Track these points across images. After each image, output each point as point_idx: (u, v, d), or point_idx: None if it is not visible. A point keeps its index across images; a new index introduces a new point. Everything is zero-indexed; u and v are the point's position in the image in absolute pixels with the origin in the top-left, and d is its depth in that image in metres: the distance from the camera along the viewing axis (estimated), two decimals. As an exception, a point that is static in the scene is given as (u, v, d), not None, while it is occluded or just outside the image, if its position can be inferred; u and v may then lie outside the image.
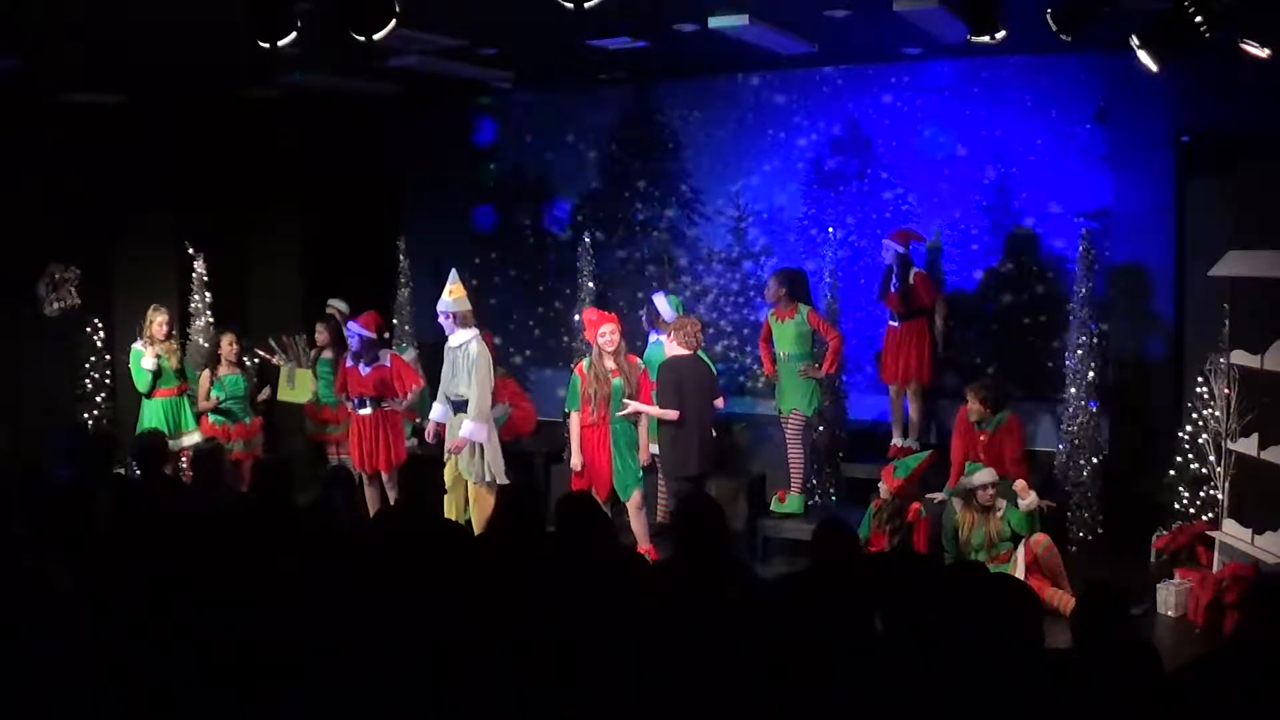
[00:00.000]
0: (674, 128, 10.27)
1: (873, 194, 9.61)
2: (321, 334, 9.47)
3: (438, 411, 8.01)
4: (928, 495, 7.71)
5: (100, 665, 3.57)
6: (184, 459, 8.66)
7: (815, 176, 9.80)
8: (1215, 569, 7.06)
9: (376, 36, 5.62)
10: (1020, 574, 6.70)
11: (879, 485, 7.68)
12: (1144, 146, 8.60)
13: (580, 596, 4.15)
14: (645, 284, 10.17)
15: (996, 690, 3.38)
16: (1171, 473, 7.93)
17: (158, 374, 8.69)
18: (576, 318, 9.67)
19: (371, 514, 7.86)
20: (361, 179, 10.75)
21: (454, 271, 8.05)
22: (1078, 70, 8.78)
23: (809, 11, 7.28)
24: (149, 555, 4.64)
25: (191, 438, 8.72)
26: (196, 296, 9.66)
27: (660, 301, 8.71)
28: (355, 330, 8.35)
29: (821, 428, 8.89)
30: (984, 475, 7.24)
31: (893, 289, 8.83)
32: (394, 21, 5.59)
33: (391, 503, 7.98)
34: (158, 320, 8.74)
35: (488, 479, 7.72)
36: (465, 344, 7.80)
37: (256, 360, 9.50)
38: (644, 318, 9.05)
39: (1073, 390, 8.30)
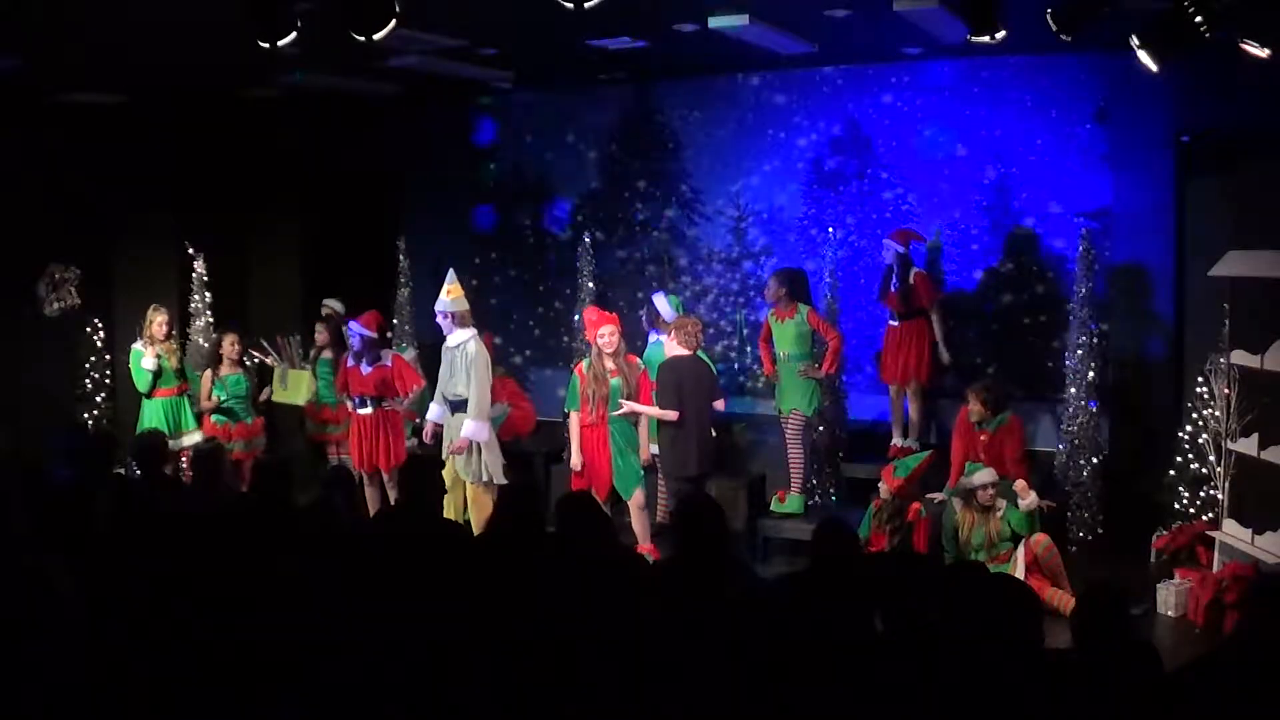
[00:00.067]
0: (674, 128, 10.27)
1: (873, 194, 9.61)
2: (321, 334, 9.47)
3: (435, 412, 8.02)
4: (928, 495, 7.71)
5: (100, 665, 3.57)
6: (184, 459, 8.66)
7: (815, 176, 9.80)
8: (1215, 569, 7.06)
9: (376, 36, 5.62)
10: (1020, 574, 6.70)
11: (879, 485, 7.69)
12: (1144, 146, 8.60)
13: (580, 596, 4.15)
14: (645, 284, 10.17)
15: (996, 690, 3.38)
16: (1171, 473, 7.93)
17: (158, 374, 8.69)
18: (576, 318, 9.67)
19: (371, 514, 7.87)
20: (361, 179, 10.75)
21: (451, 272, 8.06)
22: (1078, 70, 8.78)
23: (809, 11, 7.28)
24: (149, 555, 4.64)
25: (192, 438, 8.72)
26: (196, 296, 9.65)
27: (660, 301, 8.71)
28: (356, 330, 8.36)
29: (821, 428, 8.89)
30: (984, 475, 7.24)
31: (893, 289, 8.83)
32: (394, 21, 5.59)
33: (392, 503, 7.98)
34: (158, 320, 8.74)
35: (485, 479, 7.72)
36: (463, 344, 7.81)
37: (255, 360, 9.50)
38: (644, 318, 9.05)
39: (1073, 390, 8.30)
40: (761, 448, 9.60)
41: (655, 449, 7.86)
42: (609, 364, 7.79)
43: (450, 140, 11.01)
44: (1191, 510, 7.73)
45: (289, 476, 5.80)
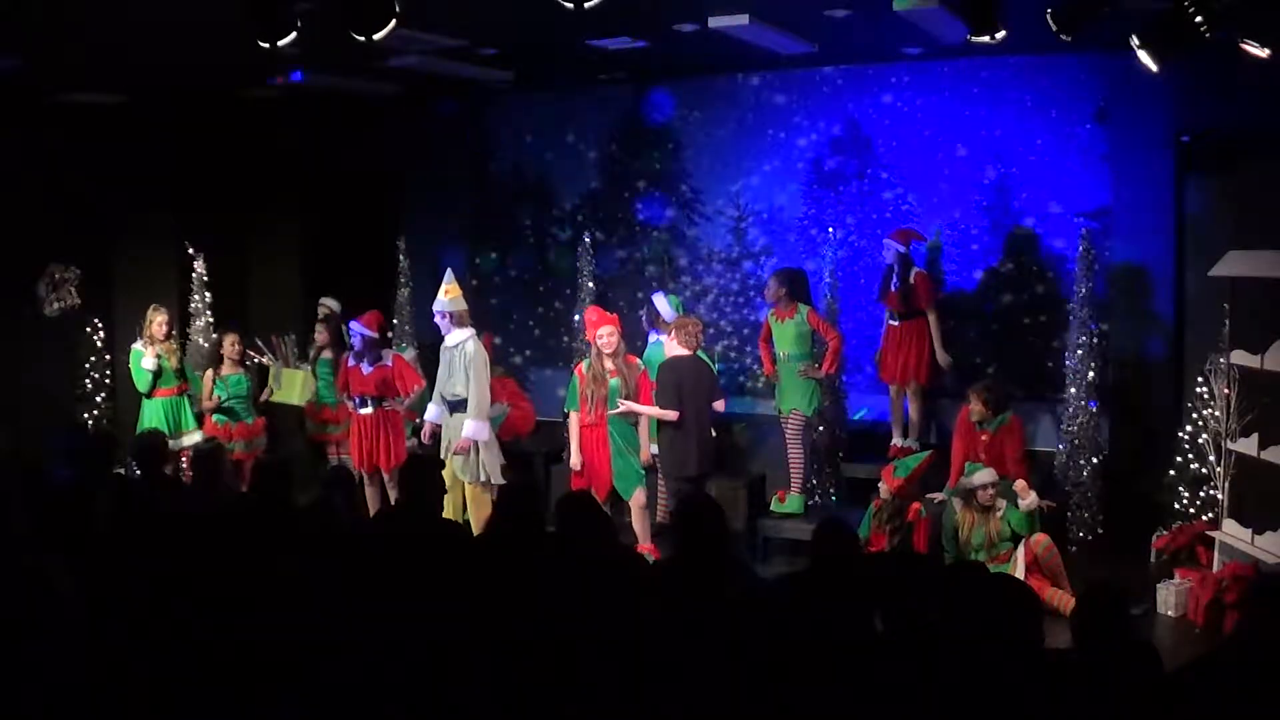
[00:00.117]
0: (674, 128, 10.27)
1: (873, 194, 9.60)
2: (321, 334, 9.48)
3: (432, 412, 8.03)
4: (928, 495, 7.71)
5: (100, 665, 3.57)
6: (184, 459, 8.66)
7: (815, 176, 9.80)
8: (1215, 569, 7.05)
9: (376, 36, 5.62)
10: (1020, 574, 6.70)
11: (879, 485, 7.69)
12: (1144, 146, 8.59)
13: (580, 596, 4.15)
14: (645, 284, 10.17)
15: (996, 690, 3.38)
16: (1171, 473, 7.93)
17: (158, 374, 8.69)
18: (576, 318, 9.67)
19: (371, 514, 7.87)
20: (361, 179, 10.75)
21: (449, 271, 8.06)
22: (1078, 70, 8.78)
23: (809, 11, 7.28)
24: (149, 555, 4.64)
25: (192, 438, 8.72)
26: (196, 296, 9.65)
27: (660, 301, 8.71)
28: (358, 330, 8.37)
29: (821, 428, 8.89)
30: (984, 475, 7.24)
31: (893, 288, 8.83)
32: (394, 21, 5.58)
33: (392, 503, 7.98)
34: (158, 320, 8.74)
35: (482, 479, 7.73)
36: (461, 344, 7.81)
37: (255, 360, 9.51)
38: (644, 318, 9.05)
39: (1073, 390, 8.30)
40: (761, 448, 9.60)
41: (655, 449, 7.86)
42: (608, 364, 7.80)
43: (450, 140, 11.01)
44: (1191, 510, 7.73)
45: (289, 476, 5.80)
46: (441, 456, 7.75)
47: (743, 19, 7.12)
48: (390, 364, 8.44)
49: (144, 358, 8.67)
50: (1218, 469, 7.46)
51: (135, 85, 8.76)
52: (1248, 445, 7.10)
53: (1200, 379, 7.71)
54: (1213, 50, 5.56)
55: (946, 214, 9.38)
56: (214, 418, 8.89)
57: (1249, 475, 7.15)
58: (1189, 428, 7.83)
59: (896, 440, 9.05)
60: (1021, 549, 7.01)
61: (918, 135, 9.42)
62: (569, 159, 10.65)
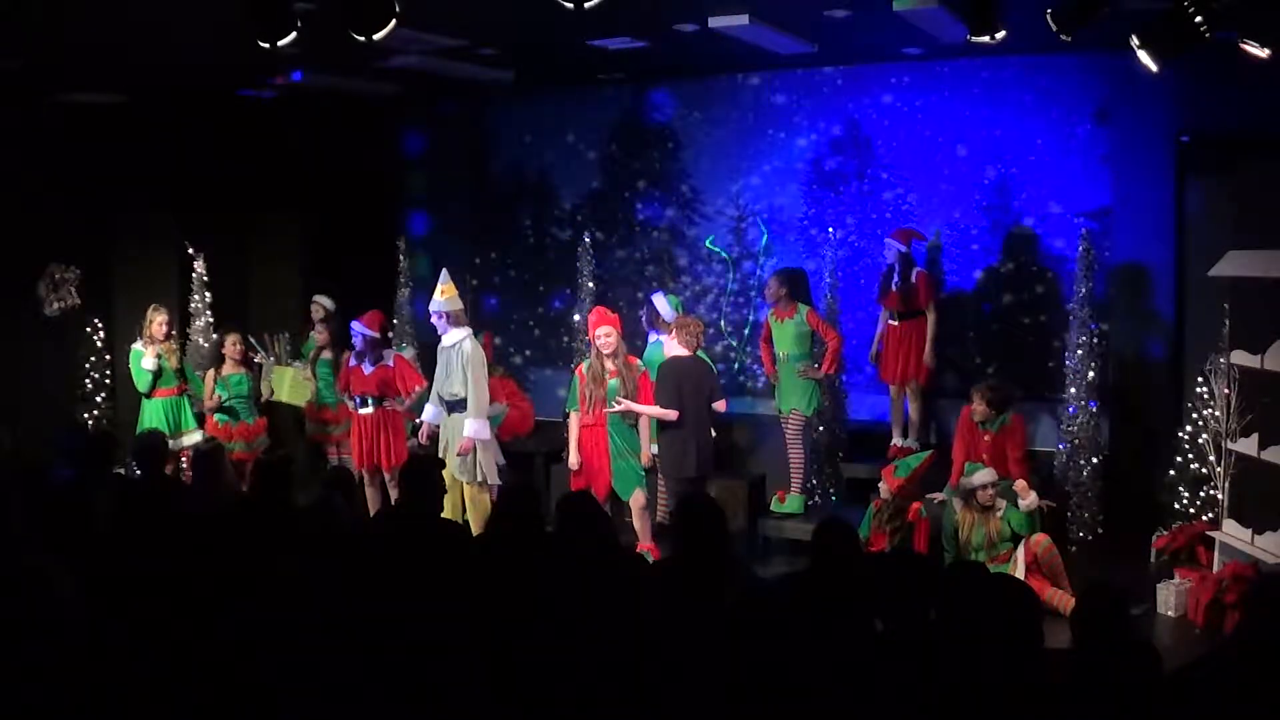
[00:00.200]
0: (674, 128, 10.27)
1: (873, 194, 9.61)
2: (321, 334, 9.47)
3: (430, 413, 8.03)
4: (928, 495, 7.70)
5: (100, 665, 3.57)
6: (184, 459, 8.66)
7: (815, 176, 9.80)
8: (1215, 569, 7.05)
9: (376, 36, 5.62)
10: (1020, 574, 6.70)
11: (879, 485, 7.68)
12: (1144, 146, 8.60)
13: (580, 596, 4.15)
14: (645, 284, 10.17)
15: (996, 690, 3.37)
16: (1171, 473, 7.93)
17: (158, 374, 8.69)
18: (577, 318, 9.68)
19: (372, 514, 7.87)
20: (361, 179, 10.75)
21: (445, 271, 8.06)
22: (1078, 70, 8.78)
23: (809, 11, 7.28)
24: (149, 555, 4.64)
25: (192, 438, 8.73)
26: (196, 296, 9.65)
27: (660, 301, 8.71)
28: (359, 330, 8.37)
29: (821, 428, 8.89)
30: (984, 475, 7.24)
31: (894, 287, 8.83)
32: (394, 21, 5.59)
33: (393, 502, 7.98)
34: (158, 320, 8.74)
35: (479, 479, 7.73)
36: (458, 343, 7.82)
37: (254, 358, 9.51)
38: (644, 318, 9.05)
39: (1073, 390, 8.30)
40: (761, 448, 9.60)
41: (655, 450, 7.86)
42: (608, 365, 7.79)
43: (450, 140, 11.01)
44: (1191, 510, 7.73)
45: (289, 476, 5.80)
46: (440, 456, 7.74)
47: (743, 19, 7.12)
48: (392, 364, 8.45)
49: (144, 358, 8.67)
50: (1218, 469, 7.46)
51: (135, 85, 8.76)
52: (1248, 445, 7.10)
53: (1200, 379, 7.71)
54: (1213, 50, 5.56)
55: (946, 214, 9.38)
56: (215, 417, 8.89)
57: (1249, 475, 7.15)
58: (1189, 428, 7.83)
59: (896, 440, 9.05)
60: (1021, 549, 7.01)
61: (918, 135, 9.42)
62: (569, 159, 10.65)
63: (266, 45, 5.79)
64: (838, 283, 9.10)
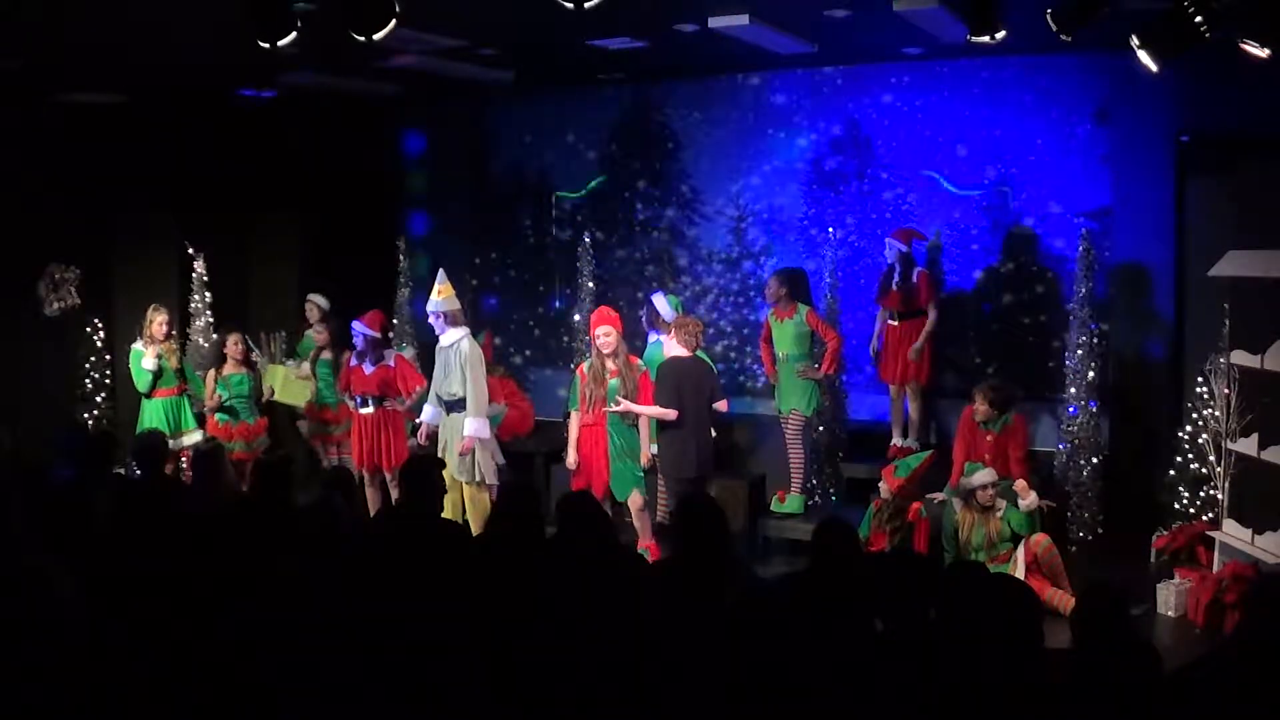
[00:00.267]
0: (674, 128, 10.27)
1: (873, 194, 9.61)
2: (321, 334, 9.47)
3: (429, 413, 8.03)
4: (928, 495, 7.70)
5: (100, 665, 3.57)
6: (184, 459, 8.66)
7: (815, 176, 9.80)
8: (1215, 569, 7.05)
9: (376, 36, 5.62)
10: (1020, 574, 6.70)
11: (879, 485, 7.68)
12: (1144, 146, 8.60)
13: (580, 596, 4.15)
14: (645, 284, 10.17)
15: (996, 690, 3.38)
16: (1171, 473, 7.93)
17: (158, 374, 8.69)
18: (577, 318, 9.68)
19: (372, 514, 7.87)
20: (361, 179, 10.75)
21: (442, 271, 8.06)
22: (1078, 70, 8.78)
23: (809, 11, 7.28)
24: (149, 555, 4.64)
25: (192, 437, 8.72)
26: (196, 296, 9.65)
27: (660, 301, 8.71)
28: (360, 330, 8.37)
29: (821, 428, 8.89)
30: (984, 475, 7.24)
31: (894, 287, 8.83)
32: (394, 21, 5.59)
33: (393, 502, 7.98)
34: (158, 320, 8.73)
35: (478, 479, 7.73)
36: (456, 343, 7.82)
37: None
38: (644, 318, 9.05)
39: (1073, 390, 8.29)
40: (761, 448, 9.60)
41: (655, 450, 7.86)
42: (609, 364, 7.79)
43: (450, 140, 11.01)
44: (1191, 510, 7.73)
45: (289, 476, 5.80)
46: (440, 456, 7.74)
47: (743, 19, 7.12)
48: (392, 364, 8.45)
49: (144, 358, 8.66)
50: (1218, 469, 7.46)
51: (135, 85, 8.76)
52: (1248, 445, 7.10)
53: (1200, 379, 7.71)
54: (1213, 50, 5.56)
55: (946, 214, 9.38)
56: (216, 417, 8.89)
57: (1249, 475, 7.15)
58: (1189, 428, 7.83)
59: (896, 440, 9.05)
60: (1021, 549, 7.01)
61: (918, 135, 9.42)
62: (569, 159, 10.65)
63: (266, 45, 5.78)
64: (838, 283, 9.09)
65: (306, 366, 9.42)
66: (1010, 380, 8.57)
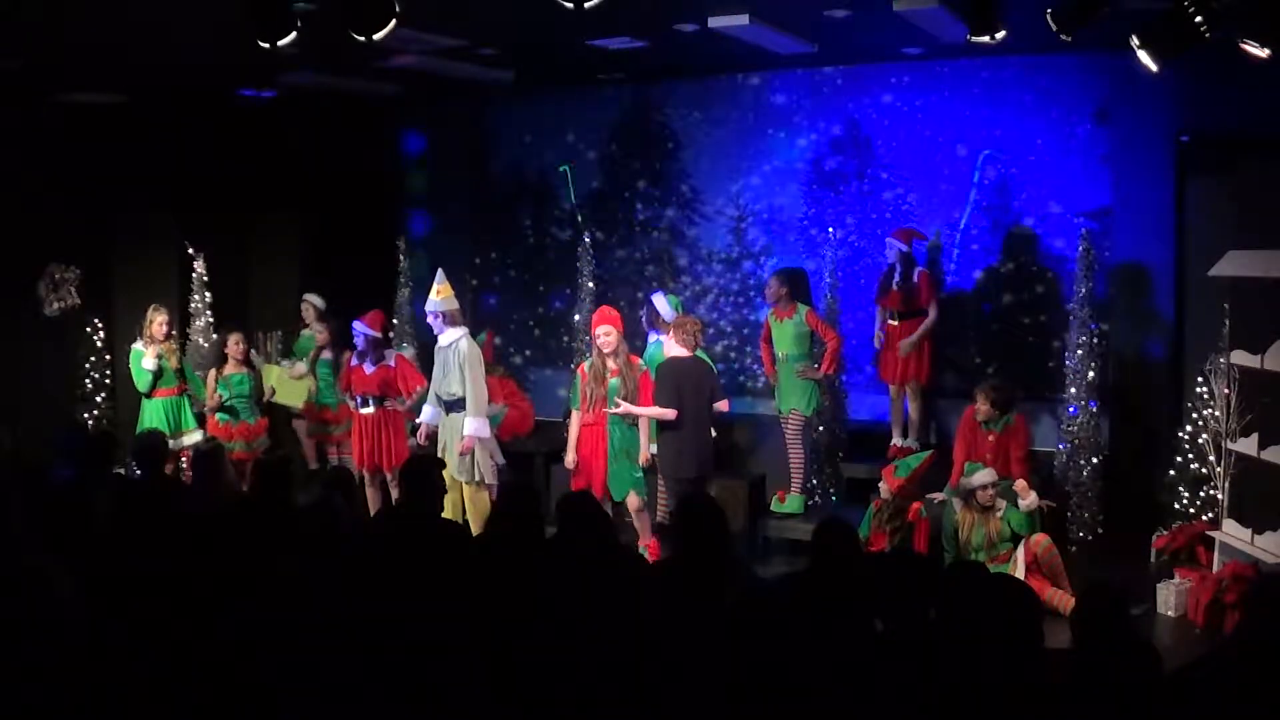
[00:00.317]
0: (674, 128, 10.27)
1: (873, 194, 9.61)
2: (321, 334, 9.48)
3: (428, 414, 8.03)
4: (928, 495, 7.70)
5: (100, 665, 3.57)
6: (184, 459, 8.66)
7: (815, 176, 9.80)
8: (1215, 569, 7.05)
9: (376, 36, 5.62)
10: (1020, 574, 6.70)
11: (879, 485, 7.68)
12: (1144, 146, 8.60)
13: (580, 596, 4.15)
14: (645, 284, 10.17)
15: (996, 690, 3.38)
16: (1171, 473, 7.93)
17: (158, 374, 8.69)
18: (577, 318, 9.68)
19: (372, 514, 7.87)
20: (361, 179, 10.75)
21: (440, 271, 8.06)
22: (1078, 70, 8.78)
23: (809, 11, 7.28)
24: (149, 555, 4.64)
25: (192, 437, 8.72)
26: (196, 296, 9.65)
27: (660, 301, 8.71)
28: (361, 330, 8.38)
29: (821, 428, 8.89)
30: (984, 475, 7.24)
31: (895, 286, 8.83)
32: (394, 21, 5.59)
33: (393, 502, 7.98)
34: (158, 320, 8.73)
35: (477, 479, 7.73)
36: (455, 342, 7.82)
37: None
38: (644, 318, 9.05)
39: (1073, 390, 8.29)
40: (761, 448, 9.60)
41: (655, 449, 7.86)
42: (610, 364, 7.79)
43: (450, 140, 11.01)
44: (1191, 510, 7.73)
45: (289, 476, 5.80)
46: (440, 456, 7.74)
47: (743, 19, 7.12)
48: (393, 364, 8.45)
49: (144, 358, 8.66)
50: (1218, 469, 7.46)
51: (135, 85, 8.76)
52: (1248, 445, 7.10)
53: (1200, 379, 7.71)
54: (1213, 50, 5.56)
55: (946, 214, 9.39)
56: (216, 416, 8.89)
57: (1249, 475, 7.15)
58: (1189, 428, 7.83)
59: (896, 440, 9.05)
60: (1021, 549, 7.01)
61: (918, 135, 9.43)
62: (569, 159, 10.65)
63: (266, 45, 5.78)
64: (838, 283, 9.10)
65: (300, 366, 9.43)
66: (1010, 380, 8.58)
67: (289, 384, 9.28)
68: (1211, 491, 7.57)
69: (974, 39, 6.01)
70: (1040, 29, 5.71)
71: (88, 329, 9.68)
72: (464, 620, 4.01)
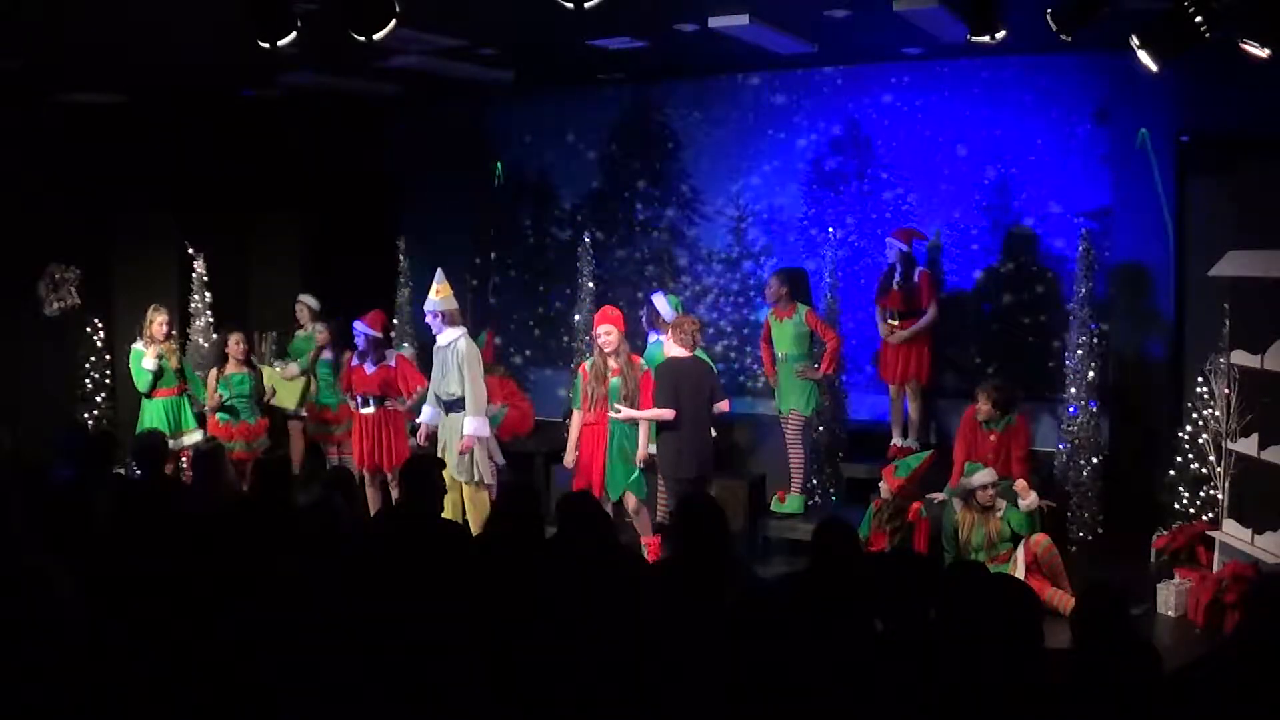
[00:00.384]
0: (674, 128, 10.28)
1: (873, 194, 9.61)
2: (321, 334, 9.47)
3: (427, 414, 8.03)
4: (928, 495, 7.70)
5: (100, 665, 3.57)
6: (184, 459, 8.66)
7: (815, 176, 9.81)
8: (1215, 569, 7.05)
9: (376, 36, 5.62)
10: (1020, 574, 6.70)
11: (879, 485, 7.68)
12: (1144, 146, 8.60)
13: (580, 596, 4.15)
14: (645, 284, 10.17)
15: (996, 690, 3.38)
16: (1171, 473, 7.93)
17: (158, 374, 8.69)
18: (577, 318, 9.68)
19: (372, 514, 7.87)
20: (361, 179, 10.75)
21: (440, 271, 8.06)
22: (1078, 70, 8.78)
23: (809, 11, 7.28)
24: (149, 555, 4.64)
25: (192, 437, 8.72)
26: (196, 296, 9.66)
27: (660, 301, 8.70)
28: (362, 330, 8.38)
29: (821, 428, 8.89)
30: (984, 475, 7.24)
31: (895, 286, 8.82)
32: (394, 21, 5.59)
33: (393, 502, 7.98)
34: (158, 320, 8.73)
35: (476, 479, 7.73)
36: (454, 342, 7.82)
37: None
38: (644, 318, 9.05)
39: (1073, 390, 8.29)
40: (761, 448, 9.60)
41: (654, 449, 7.85)
42: (611, 363, 7.79)
43: (450, 140, 11.01)
44: (1191, 510, 7.73)
45: (289, 476, 5.80)
46: (439, 456, 7.74)
47: (743, 19, 7.12)
48: (393, 364, 8.45)
49: (144, 358, 8.66)
50: (1218, 469, 7.46)
51: (135, 85, 8.77)
52: (1248, 445, 7.10)
53: (1200, 379, 7.71)
54: (1213, 50, 5.56)
55: (946, 214, 9.39)
56: (217, 416, 8.89)
57: (1249, 475, 7.15)
58: (1189, 428, 7.83)
59: (896, 440, 9.05)
60: (1021, 549, 7.01)
61: (918, 135, 9.43)
62: (569, 159, 10.66)
63: (266, 45, 5.79)
64: (838, 283, 9.10)
65: (293, 368, 9.43)
66: (1010, 380, 8.58)
67: (282, 385, 9.29)
68: (1211, 491, 7.57)
69: (974, 39, 6.01)
70: (1040, 29, 5.71)
71: (88, 329, 9.68)
72: (464, 620, 4.01)
